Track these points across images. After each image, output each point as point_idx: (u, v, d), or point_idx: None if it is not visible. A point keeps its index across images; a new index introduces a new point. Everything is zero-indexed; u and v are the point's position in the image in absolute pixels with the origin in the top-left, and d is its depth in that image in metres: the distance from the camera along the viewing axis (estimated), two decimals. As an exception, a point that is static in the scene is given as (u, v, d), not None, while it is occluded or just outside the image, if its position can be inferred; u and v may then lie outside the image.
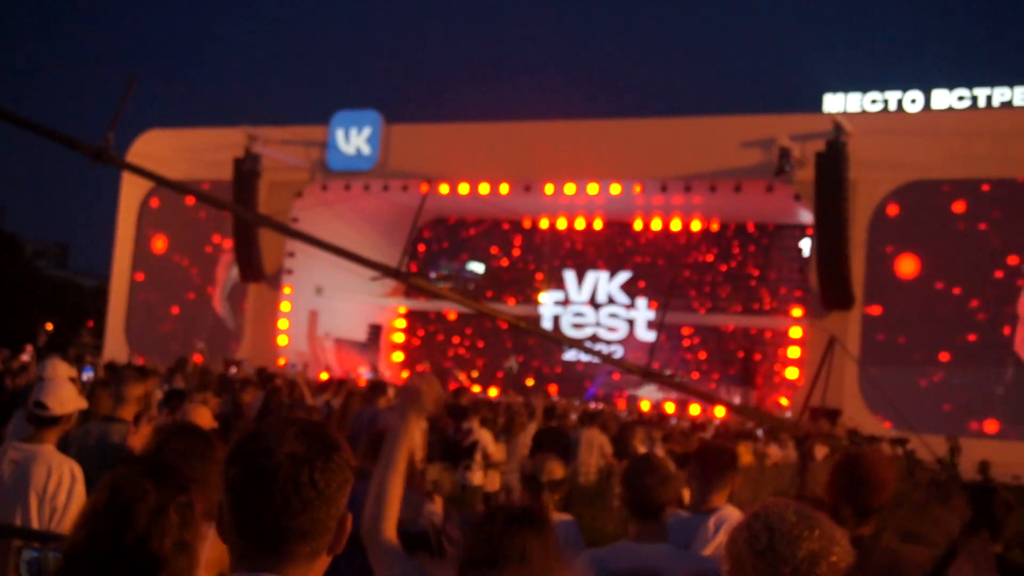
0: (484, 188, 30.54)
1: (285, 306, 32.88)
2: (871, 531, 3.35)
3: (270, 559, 1.77)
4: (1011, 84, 26.95)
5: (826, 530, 2.13)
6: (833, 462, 3.68)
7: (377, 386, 11.28)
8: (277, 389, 10.54)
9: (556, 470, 4.63)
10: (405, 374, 34.57)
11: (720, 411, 26.25)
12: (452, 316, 35.96)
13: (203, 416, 5.76)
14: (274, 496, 1.74)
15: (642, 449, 13.31)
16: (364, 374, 30.23)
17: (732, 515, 4.08)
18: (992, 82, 27.33)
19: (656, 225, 33.31)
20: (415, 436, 10.32)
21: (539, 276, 34.14)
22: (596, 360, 30.99)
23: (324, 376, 26.20)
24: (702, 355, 32.36)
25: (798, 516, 2.14)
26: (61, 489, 4.74)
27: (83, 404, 5.36)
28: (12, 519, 4.63)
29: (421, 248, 36.74)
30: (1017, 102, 26.80)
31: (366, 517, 2.75)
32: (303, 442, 1.78)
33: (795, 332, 29.13)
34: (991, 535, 4.14)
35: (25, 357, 16.85)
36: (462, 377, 31.87)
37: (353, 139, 32.14)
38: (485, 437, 11.16)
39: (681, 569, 3.44)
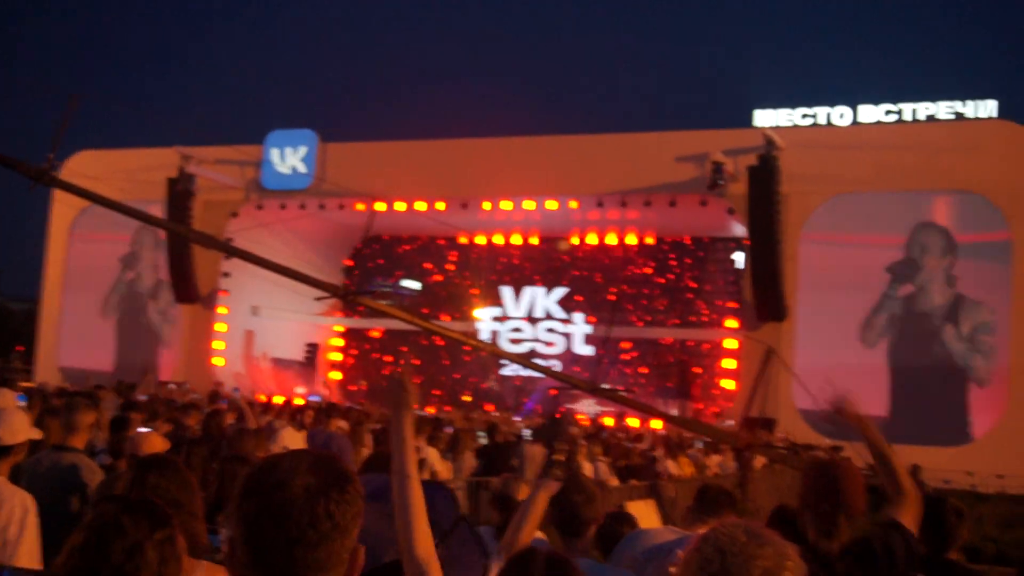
0: (421, 206, 30.54)
1: (221, 327, 32.51)
2: (842, 538, 3.41)
3: None
4: (934, 99, 27.65)
5: (778, 547, 2.13)
6: (806, 471, 3.71)
7: (329, 409, 11.23)
8: (218, 412, 10.42)
9: (526, 491, 4.69)
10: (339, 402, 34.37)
11: (658, 423, 26.49)
12: (377, 334, 35.80)
13: (155, 443, 5.70)
14: (291, 529, 1.73)
15: (586, 464, 13.38)
16: (309, 396, 29.91)
17: (659, 533, 4.16)
18: (917, 97, 28.03)
19: (592, 240, 33.53)
20: (431, 457, 10.31)
21: (475, 292, 34.13)
22: (538, 375, 31.02)
23: (262, 398, 25.93)
24: (641, 368, 32.58)
25: (748, 535, 2.13)
26: (13, 521, 4.64)
27: (35, 434, 5.27)
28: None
29: (352, 265, 36.53)
30: (940, 116, 27.48)
31: (399, 538, 2.67)
32: (317, 474, 1.78)
33: (730, 344, 29.49)
34: (944, 543, 4.20)
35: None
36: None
37: (288, 158, 31.95)
38: (432, 455, 11.15)
39: None
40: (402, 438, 2.82)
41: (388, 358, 35.97)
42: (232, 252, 9.33)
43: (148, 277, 34.27)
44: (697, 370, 31.50)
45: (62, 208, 34.63)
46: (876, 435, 3.69)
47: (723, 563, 2.08)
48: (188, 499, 3.24)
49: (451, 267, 35.73)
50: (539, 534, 5.04)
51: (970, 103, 27.30)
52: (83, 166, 31.50)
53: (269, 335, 33.82)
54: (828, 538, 3.37)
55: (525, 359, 18.52)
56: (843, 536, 3.38)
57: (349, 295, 8.64)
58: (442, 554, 2.66)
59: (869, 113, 28.18)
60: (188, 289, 31.86)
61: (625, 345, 32.65)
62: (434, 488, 3.07)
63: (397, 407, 2.87)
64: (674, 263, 33.00)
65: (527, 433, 15.92)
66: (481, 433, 14.88)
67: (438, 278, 35.88)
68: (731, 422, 26.42)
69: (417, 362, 35.10)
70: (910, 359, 26.15)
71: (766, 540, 2.13)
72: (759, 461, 16.99)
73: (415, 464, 2.77)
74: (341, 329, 36.78)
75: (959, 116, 27.30)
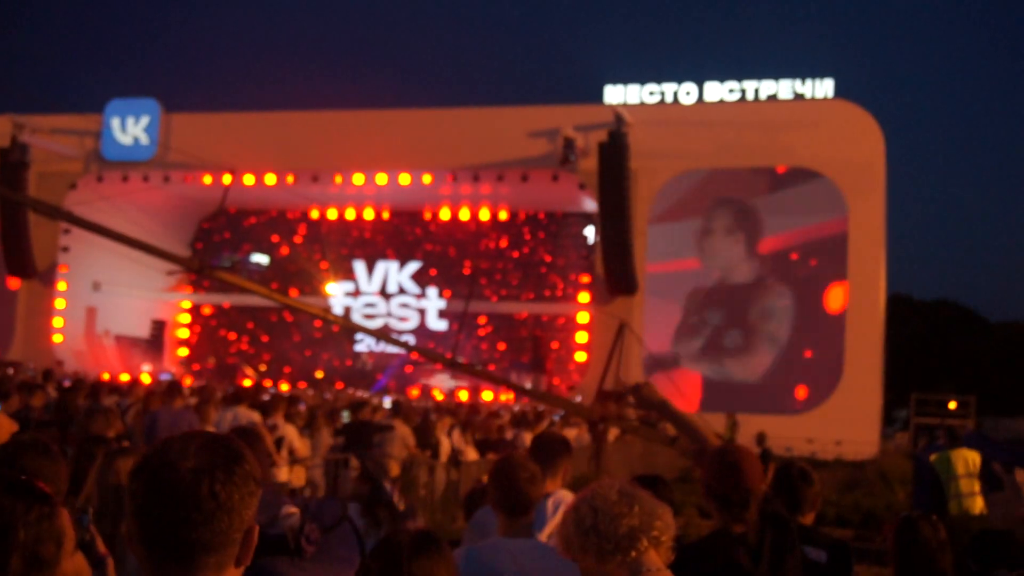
0: (271, 179, 30.04)
1: (60, 303, 31.31)
2: (751, 519, 3.52)
3: (175, 571, 1.78)
4: (776, 78, 28.57)
5: (647, 506, 2.27)
6: (705, 460, 3.81)
7: (174, 387, 10.94)
8: (72, 390, 10.07)
9: (395, 468, 4.70)
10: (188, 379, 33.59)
11: (508, 396, 26.79)
12: (226, 307, 35.14)
13: (3, 424, 5.52)
14: (175, 509, 1.75)
15: (445, 440, 13.45)
16: (159, 375, 29.09)
17: (566, 497, 4.24)
18: (760, 75, 28.91)
19: (445, 215, 33.52)
20: (289, 434, 10.10)
21: (324, 266, 33.68)
22: (398, 351, 30.90)
23: (106, 376, 25.10)
24: (497, 343, 32.79)
25: (620, 495, 2.27)
26: None
27: None
28: None
29: (198, 241, 35.55)
30: (782, 95, 28.42)
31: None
32: (205, 455, 1.79)
33: (582, 317, 29.96)
34: (795, 508, 4.34)
35: None
36: (251, 372, 31.21)
37: (130, 128, 30.89)
38: (290, 432, 11.01)
39: (556, 567, 3.57)
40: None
41: (232, 335, 35.27)
42: (79, 223, 9.00)
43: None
44: (554, 345, 31.88)
45: None
46: (675, 411, 3.93)
47: (595, 521, 2.23)
48: (59, 484, 3.15)
49: (300, 241, 35.15)
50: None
51: (809, 82, 28.30)
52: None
53: (112, 312, 32.71)
54: (739, 522, 3.48)
55: (385, 334, 18.46)
56: (752, 517, 3.49)
57: (205, 269, 8.43)
58: (322, 547, 2.66)
59: (714, 91, 28.91)
60: (24, 264, 30.51)
61: (480, 320, 32.81)
62: (333, 505, 3.10)
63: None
64: (528, 238, 33.25)
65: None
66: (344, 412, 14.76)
67: (286, 251, 35.22)
68: (579, 397, 26.93)
69: (265, 339, 34.59)
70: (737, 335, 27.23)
71: (636, 499, 2.27)
72: (612, 433, 17.39)
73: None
74: (188, 305, 35.84)
75: (799, 96, 28.29)
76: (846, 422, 24.43)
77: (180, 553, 1.77)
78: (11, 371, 22.58)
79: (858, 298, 26.09)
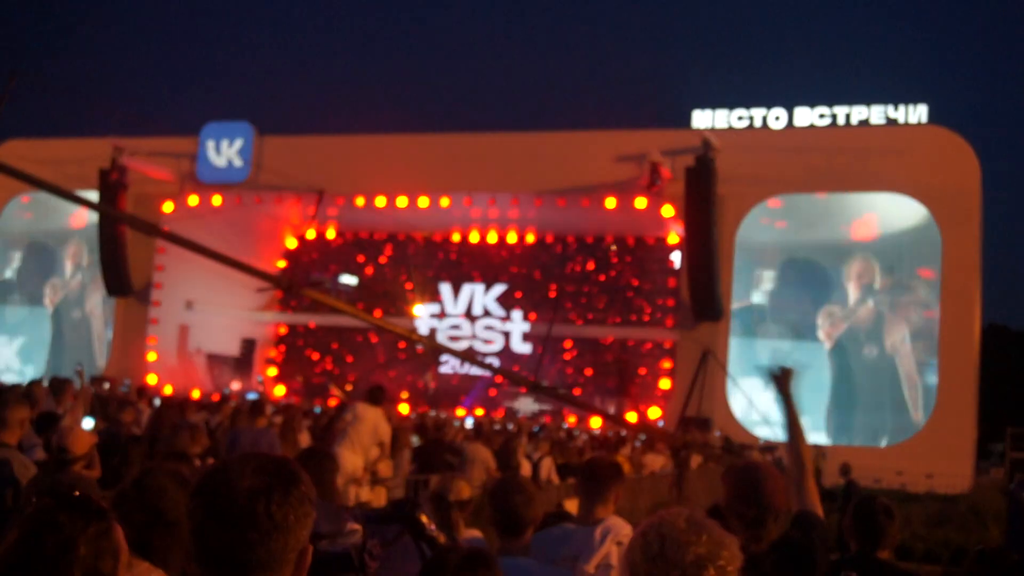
0: (359, 201, 30.50)
1: (154, 321, 32.07)
2: (770, 538, 3.49)
3: None
4: (868, 103, 28.12)
5: (715, 536, 2.24)
6: (727, 477, 3.80)
7: (257, 406, 11.13)
8: (163, 406, 10.32)
9: (464, 490, 4.70)
10: (280, 389, 34.12)
11: (596, 422, 26.65)
12: (312, 326, 35.62)
13: (83, 438, 5.63)
14: (232, 529, 1.80)
15: (525, 462, 13.44)
16: (245, 393, 29.61)
17: (617, 525, 4.21)
18: (851, 101, 28.47)
19: (531, 238, 33.60)
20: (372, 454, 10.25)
21: (410, 287, 33.95)
22: (484, 373, 31.04)
23: (196, 393, 25.64)
24: (580, 366, 32.67)
25: (688, 523, 2.24)
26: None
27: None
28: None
29: (286, 261, 36.12)
30: (873, 120, 27.96)
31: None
32: (262, 476, 1.84)
33: (667, 343, 29.73)
34: (876, 542, 4.28)
35: None
36: (339, 391, 31.54)
37: (224, 151, 31.59)
38: (373, 452, 11.08)
39: None
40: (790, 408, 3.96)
41: (317, 355, 35.69)
42: (173, 239, 9.24)
43: (79, 272, 33.70)
44: (641, 371, 31.62)
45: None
46: (793, 411, 3.93)
47: (662, 548, 2.19)
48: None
49: (386, 262, 35.50)
50: (476, 533, 5.06)
51: (902, 107, 27.80)
52: (10, 157, 30.88)
53: (203, 330, 33.43)
54: (757, 541, 3.46)
55: (471, 356, 18.54)
56: (770, 536, 3.48)
57: (294, 287, 8.60)
58: (385, 562, 2.69)
59: (804, 116, 28.56)
60: (121, 282, 31.37)
61: (566, 344, 32.73)
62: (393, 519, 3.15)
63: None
64: (615, 261, 33.11)
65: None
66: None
67: (371, 272, 35.59)
68: (661, 423, 26.70)
69: (350, 359, 34.96)
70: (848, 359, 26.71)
71: (704, 528, 2.23)
72: (695, 460, 17.21)
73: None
74: (277, 325, 36.42)
75: (891, 121, 27.80)
76: (938, 455, 23.78)
77: (236, 572, 1.81)
78: (106, 387, 23.18)
79: (952, 328, 25.44)
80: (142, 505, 3.21)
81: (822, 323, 27.79)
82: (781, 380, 4.04)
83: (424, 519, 3.30)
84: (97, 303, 33.58)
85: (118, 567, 2.33)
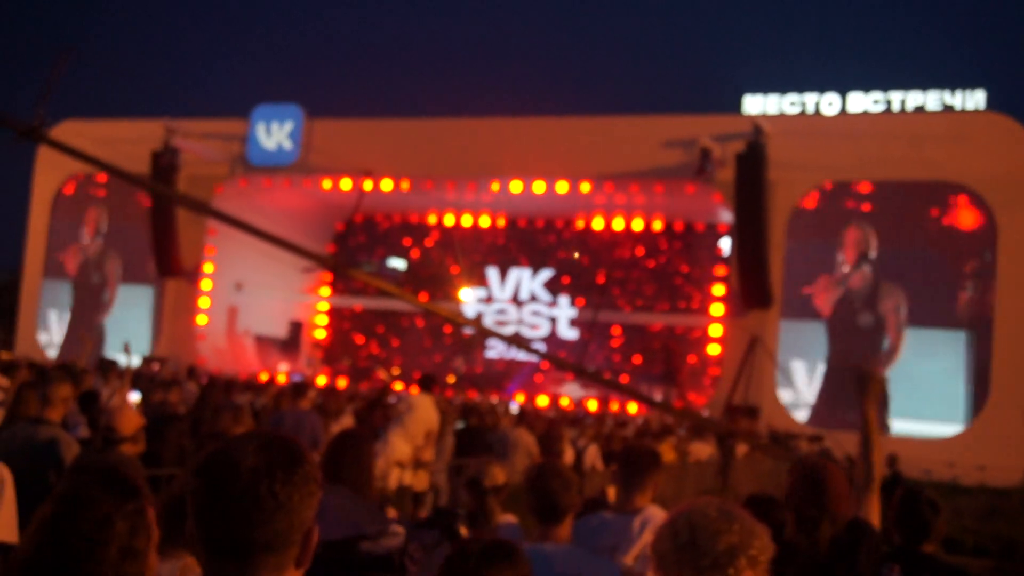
0: (407, 184, 30.54)
1: (204, 302, 32.41)
2: (822, 539, 3.42)
3: (234, 571, 1.80)
4: (924, 88, 27.64)
5: (746, 525, 2.21)
6: (794, 471, 3.75)
7: (300, 388, 11.18)
8: (209, 387, 10.41)
9: (499, 475, 4.66)
10: (321, 379, 34.37)
11: (633, 407, 26.58)
12: (358, 310, 35.80)
13: (130, 417, 5.67)
14: (234, 508, 1.77)
15: (569, 448, 13.38)
16: (292, 374, 29.88)
17: (656, 514, 4.16)
18: (906, 86, 28.01)
19: (579, 223, 33.52)
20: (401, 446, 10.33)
21: (455, 271, 34.01)
22: (533, 358, 31.09)
23: (242, 375, 25.86)
24: (629, 354, 32.56)
25: (719, 512, 2.22)
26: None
27: None
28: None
29: (333, 244, 36.30)
30: (929, 107, 27.49)
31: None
32: (265, 455, 1.81)
33: (715, 330, 29.54)
34: (921, 536, 4.21)
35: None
36: (385, 375, 31.68)
37: (275, 134, 31.77)
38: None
39: (592, 571, 3.52)
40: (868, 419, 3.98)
41: (362, 338, 35.85)
42: (222, 218, 9.29)
43: (126, 253, 34.01)
44: (691, 359, 31.46)
45: (44, 177, 34.43)
46: (873, 418, 3.86)
47: (692, 536, 2.17)
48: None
49: (432, 246, 35.59)
50: (511, 518, 5.01)
51: (959, 93, 27.31)
52: (66, 137, 31.29)
53: (252, 312, 33.74)
54: (808, 537, 3.40)
55: (519, 341, 18.52)
56: (823, 537, 3.41)
57: (340, 267, 8.54)
58: (425, 566, 2.67)
59: (858, 102, 28.15)
60: (171, 263, 31.73)
61: (614, 331, 32.63)
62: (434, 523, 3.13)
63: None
64: (664, 247, 32.95)
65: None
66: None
67: (418, 256, 35.73)
68: (707, 411, 26.52)
69: (395, 343, 35.12)
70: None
71: (735, 517, 2.21)
72: (741, 449, 17.05)
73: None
74: (325, 307, 36.69)
75: (948, 107, 27.32)
76: (991, 447, 23.39)
77: (239, 552, 1.78)
78: (156, 367, 23.47)
79: (1007, 318, 24.98)
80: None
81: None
82: (865, 386, 3.96)
83: (463, 530, 3.28)
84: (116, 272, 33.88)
85: (149, 546, 2.33)
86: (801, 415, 25.77)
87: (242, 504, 1.76)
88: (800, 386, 26.43)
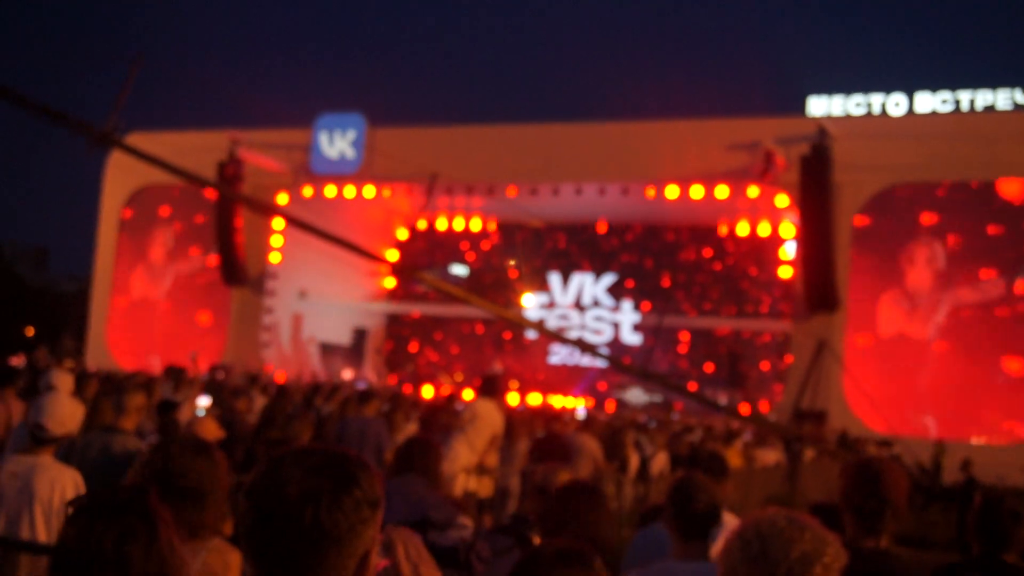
0: (468, 191, 30.66)
1: (269, 310, 32.77)
2: (887, 539, 3.37)
3: None
4: (994, 87, 27.09)
5: (817, 532, 2.19)
6: (846, 470, 3.70)
7: (365, 395, 11.23)
8: (280, 396, 10.48)
9: (566, 476, 4.63)
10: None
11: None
12: (416, 316, 35.90)
13: (209, 427, 5.76)
14: (279, 535, 1.72)
15: (633, 453, 13.30)
16: (356, 381, 30.08)
17: (727, 520, 4.09)
18: (975, 85, 27.46)
19: (643, 227, 33.33)
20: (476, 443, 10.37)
21: (514, 275, 33.97)
22: (597, 364, 31.00)
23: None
24: (695, 359, 32.28)
25: (788, 521, 2.20)
26: (66, 500, 4.69)
27: (79, 421, 5.35)
28: (18, 532, 4.58)
29: (396, 251, 36.46)
30: (1000, 106, 26.93)
31: None
32: (312, 479, 1.74)
33: (782, 335, 29.20)
34: (1002, 546, 4.14)
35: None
36: (447, 381, 31.81)
37: (337, 142, 32.04)
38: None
39: None
40: None
41: (419, 346, 35.91)
42: (289, 219, 9.41)
43: (194, 261, 34.54)
44: (764, 366, 31.10)
45: (115, 187, 35.03)
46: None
47: (762, 546, 2.15)
48: (213, 483, 3.22)
49: (492, 252, 35.58)
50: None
51: (1031, 91, 26.71)
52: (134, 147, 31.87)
53: (316, 319, 34.04)
54: (874, 535, 3.35)
55: (586, 345, 18.47)
56: (888, 531, 3.36)
57: (405, 272, 8.59)
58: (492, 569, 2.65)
59: (925, 102, 27.65)
60: (236, 271, 32.13)
61: (681, 336, 32.38)
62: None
63: None
64: (730, 250, 32.62)
65: None
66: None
67: (478, 263, 35.72)
68: (774, 416, 26.21)
69: (455, 350, 35.17)
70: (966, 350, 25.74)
71: (806, 526, 2.19)
72: (808, 454, 16.82)
73: None
74: (385, 315, 36.83)
75: (1019, 106, 26.74)
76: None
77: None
78: (222, 375, 23.77)
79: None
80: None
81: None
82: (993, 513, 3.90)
83: (536, 539, 3.26)
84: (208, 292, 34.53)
85: (173, 556, 2.28)
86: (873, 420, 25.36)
87: (286, 533, 1.70)
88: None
